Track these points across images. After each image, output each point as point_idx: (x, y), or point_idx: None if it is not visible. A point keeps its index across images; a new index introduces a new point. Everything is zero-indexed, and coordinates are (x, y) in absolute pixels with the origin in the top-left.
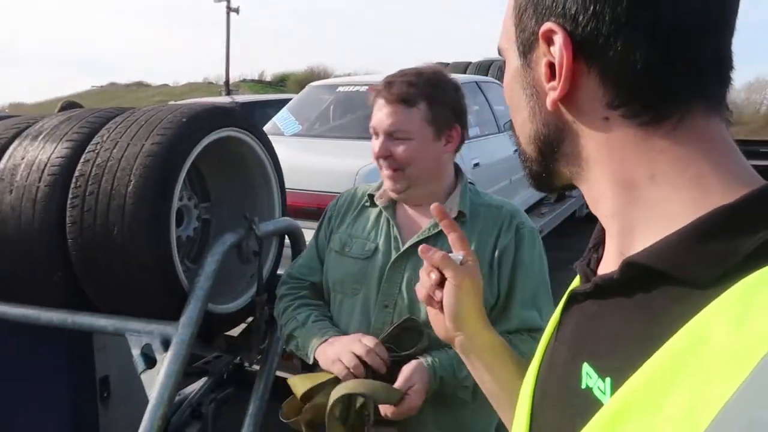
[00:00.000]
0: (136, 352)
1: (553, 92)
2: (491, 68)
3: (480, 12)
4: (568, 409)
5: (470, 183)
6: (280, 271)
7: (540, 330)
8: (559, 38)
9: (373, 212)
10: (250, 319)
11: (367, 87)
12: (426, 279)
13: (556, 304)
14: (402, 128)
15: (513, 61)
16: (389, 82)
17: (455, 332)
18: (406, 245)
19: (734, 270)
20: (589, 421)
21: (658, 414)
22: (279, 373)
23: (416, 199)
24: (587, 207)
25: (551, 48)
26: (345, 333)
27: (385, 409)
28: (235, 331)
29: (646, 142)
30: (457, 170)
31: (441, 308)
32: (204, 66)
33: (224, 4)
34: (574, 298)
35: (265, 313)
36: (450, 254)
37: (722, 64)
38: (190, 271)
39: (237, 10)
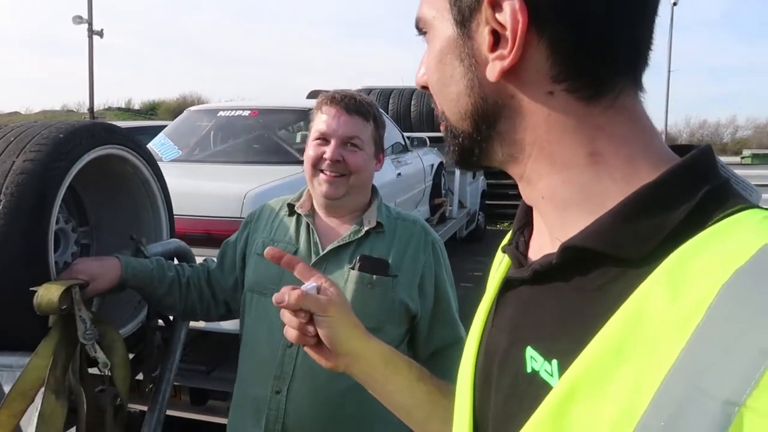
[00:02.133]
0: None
1: (499, 62)
2: (370, 95)
3: (342, 40)
4: (515, 393)
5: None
6: None
7: (462, 339)
8: (512, 4)
9: (293, 220)
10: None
11: (249, 111)
12: (292, 320)
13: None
14: (359, 137)
15: (445, 31)
16: (345, 96)
17: (343, 358)
18: (326, 249)
19: (663, 244)
20: (540, 403)
21: (607, 389)
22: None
23: (343, 209)
24: (466, 228)
25: (497, 15)
26: (259, 334)
27: None
28: None
29: (587, 119)
30: (372, 187)
31: (316, 342)
32: (61, 93)
33: (85, 26)
34: (510, 284)
35: (156, 339)
36: (303, 287)
37: (648, 47)
38: None
39: (101, 34)
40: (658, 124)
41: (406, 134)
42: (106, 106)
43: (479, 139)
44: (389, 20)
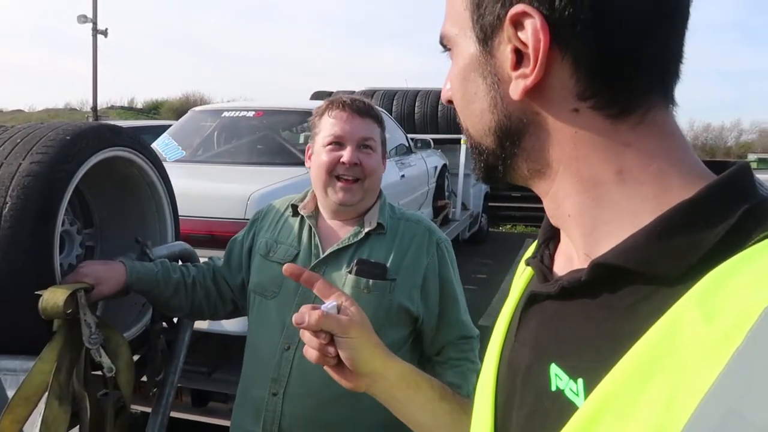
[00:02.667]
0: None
1: (522, 80)
2: (374, 97)
3: (346, 42)
4: (539, 411)
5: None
6: None
7: (472, 337)
8: (533, 22)
9: (296, 221)
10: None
11: (253, 112)
12: (313, 341)
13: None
14: (373, 138)
15: (468, 48)
16: (353, 99)
17: (364, 379)
18: (326, 252)
19: (699, 264)
20: (565, 423)
21: (636, 410)
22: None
23: (353, 211)
24: (468, 230)
25: (519, 33)
26: (260, 335)
27: None
28: None
29: (615, 135)
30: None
31: (337, 362)
32: (65, 91)
33: (89, 26)
34: (534, 298)
35: (161, 343)
36: (323, 306)
37: (679, 60)
38: None
39: (105, 33)
40: None
41: (410, 136)
42: (109, 105)
43: (503, 156)
44: (395, 22)
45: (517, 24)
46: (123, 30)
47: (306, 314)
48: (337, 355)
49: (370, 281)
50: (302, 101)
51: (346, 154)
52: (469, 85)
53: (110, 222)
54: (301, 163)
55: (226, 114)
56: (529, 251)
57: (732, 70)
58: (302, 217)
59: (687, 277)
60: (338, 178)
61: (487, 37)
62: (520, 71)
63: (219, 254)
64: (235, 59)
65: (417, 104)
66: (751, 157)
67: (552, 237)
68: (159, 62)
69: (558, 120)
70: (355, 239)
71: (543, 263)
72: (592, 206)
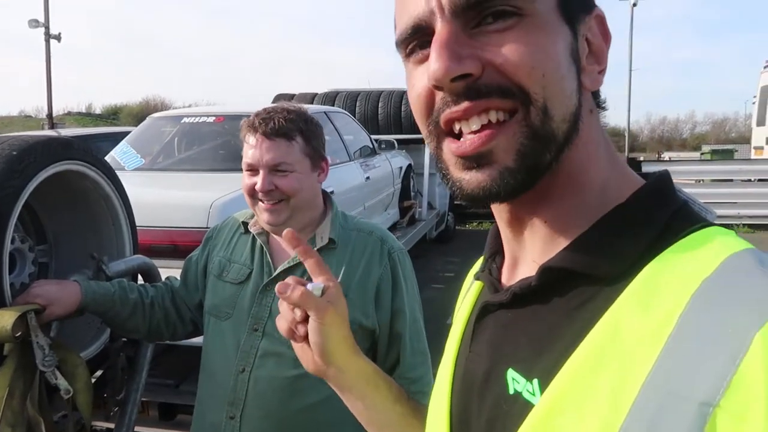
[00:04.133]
0: None
1: (599, 73)
2: (337, 98)
3: (312, 43)
4: (498, 416)
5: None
6: None
7: (425, 353)
8: (602, 25)
9: (248, 239)
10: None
11: (213, 118)
12: (288, 313)
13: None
14: (285, 161)
15: (555, 23)
16: (264, 118)
17: (326, 366)
18: (277, 271)
19: (636, 262)
20: (523, 422)
21: (587, 402)
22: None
23: (294, 227)
24: (435, 230)
25: (591, 29)
26: (215, 357)
27: None
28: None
29: (605, 142)
30: (326, 197)
31: (306, 342)
32: (18, 98)
33: (41, 30)
34: (487, 309)
35: (121, 360)
36: (310, 285)
37: None
38: None
39: (58, 37)
40: (622, 122)
41: (374, 137)
42: (66, 111)
43: (563, 146)
44: (360, 21)
45: (599, 21)
46: (80, 32)
47: (290, 287)
48: (306, 337)
49: None
50: (264, 105)
51: (258, 182)
52: (563, 61)
53: (65, 237)
54: None
55: (185, 120)
56: (475, 267)
57: (686, 60)
58: (253, 234)
59: (626, 275)
60: (261, 200)
61: (572, 19)
62: (593, 65)
63: (182, 264)
64: (196, 61)
65: (380, 105)
66: (705, 148)
67: (497, 251)
68: (118, 66)
69: (584, 117)
70: None
71: (492, 275)
72: (572, 213)
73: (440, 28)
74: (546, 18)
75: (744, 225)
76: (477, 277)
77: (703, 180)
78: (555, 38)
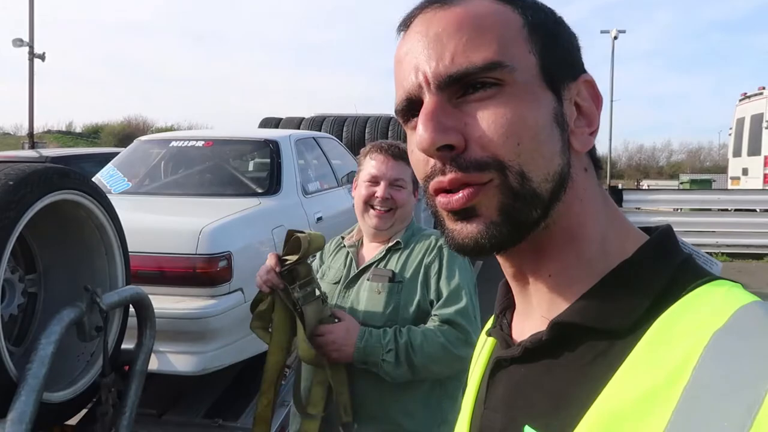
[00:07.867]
0: None
1: (589, 135)
2: (324, 123)
3: (300, 69)
4: None
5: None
6: (126, 345)
7: (453, 323)
8: (592, 89)
9: (344, 251)
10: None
11: (203, 142)
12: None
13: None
14: (403, 178)
15: (535, 88)
16: (390, 144)
17: None
18: (357, 270)
19: (645, 315)
20: None
21: None
22: None
23: (387, 234)
24: None
25: (579, 93)
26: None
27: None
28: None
29: (603, 197)
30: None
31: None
32: None
33: (26, 49)
34: (499, 364)
35: (112, 396)
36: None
37: None
38: (14, 354)
39: (42, 57)
40: (603, 150)
41: None
42: (46, 129)
43: (548, 206)
44: (343, 47)
45: (588, 85)
46: (60, 50)
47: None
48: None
49: (380, 284)
50: (252, 130)
51: (379, 190)
52: (545, 126)
53: (55, 267)
54: (253, 194)
55: (174, 143)
56: (488, 324)
57: (661, 94)
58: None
59: (635, 329)
60: (373, 207)
61: (555, 84)
62: (582, 126)
63: (169, 291)
64: (179, 82)
65: (367, 130)
66: (684, 178)
67: (508, 306)
68: (99, 84)
69: (577, 175)
70: (378, 257)
71: (503, 331)
72: (574, 266)
73: (427, 100)
74: (526, 87)
75: (722, 254)
76: (489, 334)
77: (681, 209)
78: (535, 105)
